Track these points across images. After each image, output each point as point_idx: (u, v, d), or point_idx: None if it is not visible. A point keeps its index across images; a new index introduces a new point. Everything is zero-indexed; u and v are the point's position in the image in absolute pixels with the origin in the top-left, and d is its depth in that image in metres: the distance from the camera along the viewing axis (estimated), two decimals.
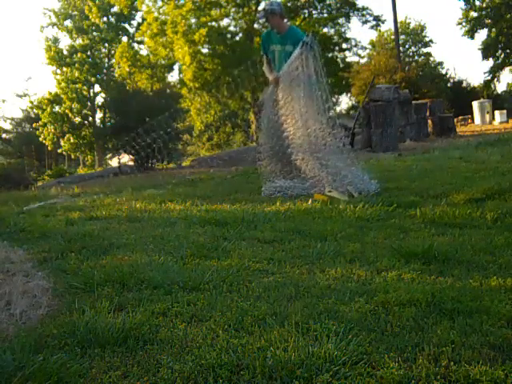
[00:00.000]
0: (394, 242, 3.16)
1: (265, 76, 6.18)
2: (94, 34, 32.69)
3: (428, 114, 16.17)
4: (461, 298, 2.13)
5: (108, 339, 1.89)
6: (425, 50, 40.77)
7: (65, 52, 32.65)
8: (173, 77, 31.24)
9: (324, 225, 3.71)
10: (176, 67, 29.17)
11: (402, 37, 38.14)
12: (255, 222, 3.95)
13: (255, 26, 26.62)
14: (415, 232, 3.42)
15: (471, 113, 25.77)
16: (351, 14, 26.70)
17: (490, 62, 32.89)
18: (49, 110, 31.84)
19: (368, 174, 5.36)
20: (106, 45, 33.06)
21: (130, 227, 4.04)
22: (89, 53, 32.59)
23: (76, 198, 6.23)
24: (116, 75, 30.64)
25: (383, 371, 1.59)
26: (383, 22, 28.23)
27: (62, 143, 32.57)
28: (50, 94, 32.52)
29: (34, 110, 36.44)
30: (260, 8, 26.96)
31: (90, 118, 33.30)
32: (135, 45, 31.66)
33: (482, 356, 1.67)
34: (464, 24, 31.97)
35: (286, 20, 5.98)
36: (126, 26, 33.23)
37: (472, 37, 32.21)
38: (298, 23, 27.05)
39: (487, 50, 31.85)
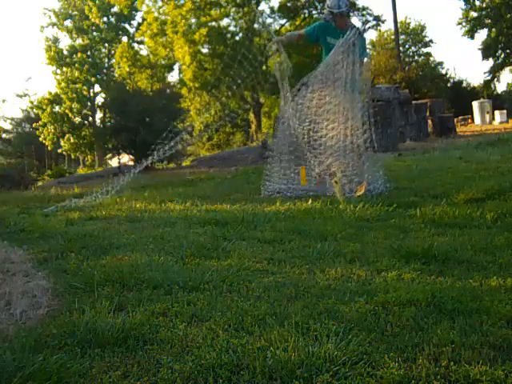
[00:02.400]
0: (394, 242, 3.16)
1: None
2: (94, 34, 32.68)
3: (428, 114, 16.18)
4: (461, 298, 2.13)
5: (108, 339, 1.89)
6: (425, 50, 40.75)
7: (65, 52, 32.63)
8: (173, 77, 31.28)
9: (324, 225, 3.71)
10: (176, 67, 29.21)
11: (402, 37, 38.13)
12: (255, 221, 3.95)
13: (255, 25, 26.62)
14: (415, 232, 3.42)
15: (471, 113, 25.79)
16: (351, 14, 26.68)
17: (490, 62, 32.91)
18: (49, 110, 31.82)
19: (383, 174, 5.33)
20: (106, 45, 33.04)
21: (129, 227, 4.04)
22: (89, 53, 32.57)
23: (89, 197, 6.19)
24: (116, 75, 30.65)
25: (383, 371, 1.59)
26: (383, 22, 28.24)
27: (62, 143, 32.54)
28: (50, 93, 32.50)
29: (34, 110, 36.42)
30: (260, 8, 26.98)
31: (90, 118, 33.28)
32: (135, 45, 31.70)
33: (481, 356, 1.67)
34: (464, 24, 31.97)
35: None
36: (126, 26, 33.22)
37: (472, 37, 32.21)
38: (298, 23, 27.11)
39: (487, 50, 31.85)
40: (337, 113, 5.20)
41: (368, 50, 5.47)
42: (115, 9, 31.65)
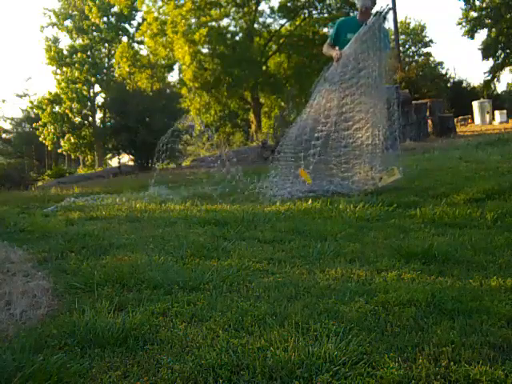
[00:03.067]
0: (394, 242, 3.15)
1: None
2: (94, 34, 32.69)
3: (428, 114, 16.18)
4: (461, 298, 2.13)
5: (108, 339, 1.89)
6: (425, 50, 40.81)
7: (65, 52, 32.65)
8: (173, 77, 31.30)
9: (324, 225, 3.71)
10: (176, 67, 29.21)
11: (402, 37, 38.15)
12: (255, 221, 3.95)
13: (255, 25, 26.63)
14: (415, 232, 3.42)
15: (471, 113, 25.80)
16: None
17: (490, 62, 32.92)
18: (49, 109, 31.84)
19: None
20: (106, 45, 33.06)
21: (129, 227, 4.04)
22: (89, 53, 32.59)
23: (89, 197, 6.18)
24: (116, 75, 30.66)
25: (383, 371, 1.59)
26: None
27: (61, 143, 32.57)
28: (50, 93, 32.52)
29: (34, 110, 36.44)
30: (260, 8, 26.97)
31: (90, 118, 33.30)
32: (135, 45, 31.70)
33: (481, 356, 1.67)
34: (464, 24, 31.98)
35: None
36: (126, 26, 33.24)
37: (472, 37, 32.21)
38: (297, 23, 27.09)
39: (487, 50, 31.85)
40: (362, 105, 4.98)
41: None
42: (115, 9, 31.66)
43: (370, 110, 4.96)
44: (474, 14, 31.69)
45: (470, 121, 25.74)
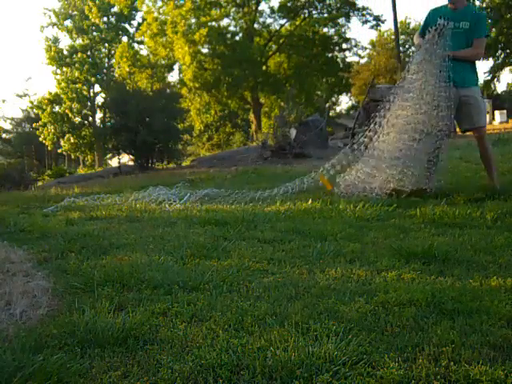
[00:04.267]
0: (394, 242, 3.15)
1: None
2: (94, 33, 32.73)
3: None
4: (461, 298, 2.13)
5: (108, 339, 1.89)
6: None
7: (65, 52, 32.70)
8: (173, 77, 31.36)
9: (324, 225, 3.71)
10: (176, 67, 29.26)
11: (402, 37, 38.15)
12: (255, 221, 3.95)
13: (255, 25, 26.65)
14: (415, 232, 3.42)
15: None
16: (351, 14, 26.77)
17: (490, 62, 32.87)
18: (49, 109, 31.87)
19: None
20: (106, 45, 33.10)
21: (129, 227, 4.04)
22: (89, 53, 32.64)
23: (89, 197, 6.16)
24: (116, 75, 30.69)
25: (383, 371, 1.59)
26: (383, 22, 28.34)
27: (62, 143, 32.61)
28: (50, 93, 32.55)
29: (34, 110, 36.49)
30: (260, 8, 26.99)
31: (90, 118, 33.33)
32: (135, 45, 31.77)
33: (481, 356, 1.67)
34: None
35: None
36: (126, 26, 33.30)
37: None
38: (297, 23, 27.10)
39: (487, 50, 31.78)
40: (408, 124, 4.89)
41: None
42: (115, 9, 31.71)
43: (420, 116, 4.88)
44: None
45: None
